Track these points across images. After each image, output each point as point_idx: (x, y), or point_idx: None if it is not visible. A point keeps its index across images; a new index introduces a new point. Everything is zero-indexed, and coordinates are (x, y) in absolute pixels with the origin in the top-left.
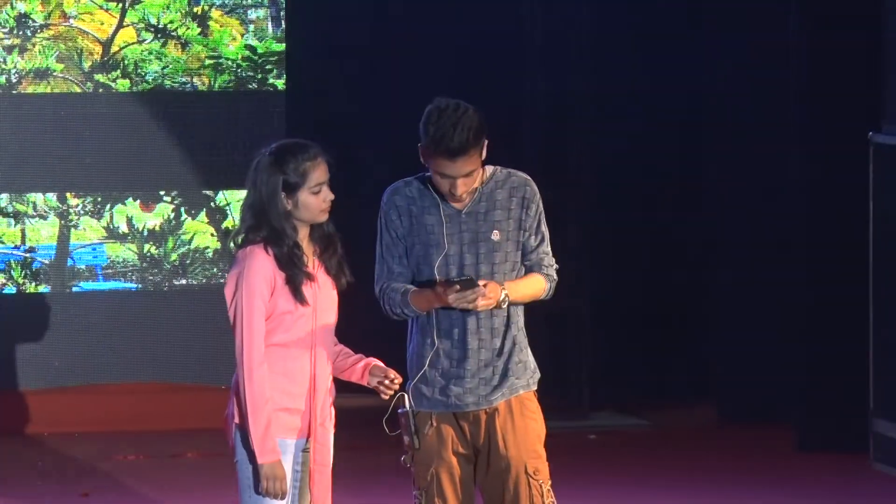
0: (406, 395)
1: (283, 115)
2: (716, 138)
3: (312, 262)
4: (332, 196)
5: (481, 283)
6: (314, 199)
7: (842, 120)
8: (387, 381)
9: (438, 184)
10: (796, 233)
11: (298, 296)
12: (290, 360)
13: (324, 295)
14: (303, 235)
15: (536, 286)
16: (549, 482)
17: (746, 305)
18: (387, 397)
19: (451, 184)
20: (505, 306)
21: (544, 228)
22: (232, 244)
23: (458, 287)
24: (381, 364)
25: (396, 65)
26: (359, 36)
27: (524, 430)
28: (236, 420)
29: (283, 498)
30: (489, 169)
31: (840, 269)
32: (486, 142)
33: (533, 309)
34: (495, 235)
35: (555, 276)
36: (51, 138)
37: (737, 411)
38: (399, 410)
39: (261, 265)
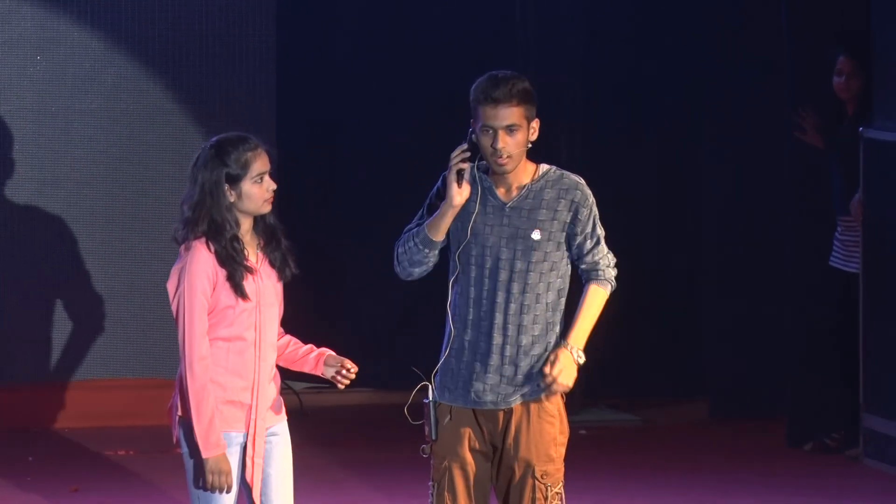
0: (430, 385)
1: (273, 110)
2: (708, 136)
3: (256, 255)
4: (274, 185)
5: (554, 370)
6: (257, 189)
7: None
8: (343, 371)
9: (484, 148)
10: (787, 231)
11: (239, 291)
12: (233, 353)
13: (266, 288)
14: (246, 228)
15: (595, 305)
16: (560, 485)
17: (737, 304)
18: (342, 387)
19: (493, 138)
20: (582, 361)
21: (600, 231)
22: (173, 239)
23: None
24: (334, 353)
25: (387, 60)
26: (349, 29)
27: (538, 432)
28: (179, 412)
29: (228, 492)
30: (543, 167)
31: (829, 267)
32: (537, 119)
33: None
34: (536, 234)
35: (611, 275)
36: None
37: (728, 408)
38: (424, 400)
39: (201, 261)
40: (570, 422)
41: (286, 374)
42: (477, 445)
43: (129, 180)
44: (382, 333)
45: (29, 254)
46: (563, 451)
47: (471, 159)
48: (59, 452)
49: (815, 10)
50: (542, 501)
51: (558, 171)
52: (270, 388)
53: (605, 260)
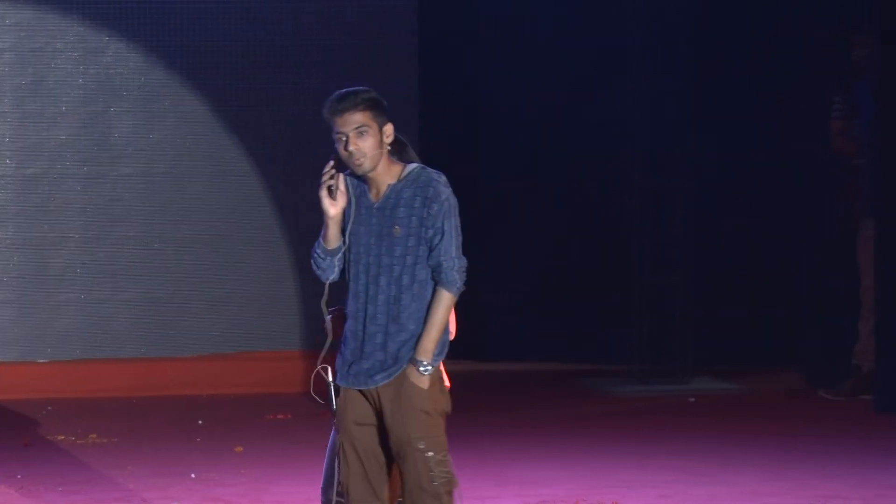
0: (329, 368)
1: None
2: (801, 126)
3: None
4: (351, 147)
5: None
6: (340, 147)
7: None
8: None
9: (342, 155)
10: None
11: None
12: None
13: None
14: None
15: (441, 311)
16: (444, 451)
17: (830, 280)
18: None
19: (346, 143)
20: (433, 367)
21: (448, 227)
22: None
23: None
24: None
25: (519, 60)
26: (485, 36)
27: (406, 408)
28: None
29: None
30: (408, 167)
31: None
32: (389, 124)
33: (638, 283)
34: (396, 231)
35: (456, 277)
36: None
37: (821, 377)
38: (328, 381)
39: None
40: (680, 391)
41: None
42: (364, 420)
43: (295, 175)
44: (519, 304)
45: (194, 244)
46: (439, 422)
47: (342, 171)
48: (224, 416)
49: None
50: (427, 470)
51: (421, 170)
52: None
53: (449, 261)
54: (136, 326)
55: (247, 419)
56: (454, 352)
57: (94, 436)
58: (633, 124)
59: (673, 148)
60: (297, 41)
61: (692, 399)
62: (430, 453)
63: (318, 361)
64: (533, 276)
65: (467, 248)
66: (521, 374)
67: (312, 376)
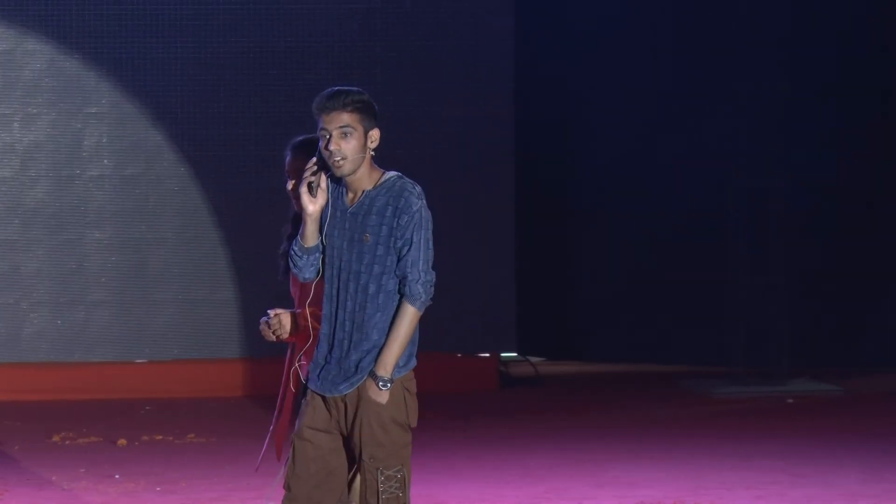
0: (300, 368)
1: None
2: None
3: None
4: (332, 146)
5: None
6: (322, 146)
7: None
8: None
9: (324, 153)
10: None
11: None
12: None
13: None
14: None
15: (404, 326)
16: (398, 468)
17: None
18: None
19: (328, 141)
20: (390, 383)
21: (417, 239)
22: None
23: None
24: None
25: (611, 63)
26: (579, 39)
27: (365, 419)
28: None
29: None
30: (387, 175)
31: None
32: (377, 129)
33: (735, 285)
34: (365, 238)
35: (421, 291)
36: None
37: None
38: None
39: None
40: (778, 392)
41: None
42: (322, 426)
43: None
44: (617, 306)
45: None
46: (399, 436)
47: (325, 170)
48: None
49: None
50: (375, 483)
51: (397, 179)
52: None
53: (415, 274)
54: (234, 326)
55: None
56: (554, 352)
57: (192, 435)
58: (731, 127)
59: (770, 150)
60: (391, 41)
61: (790, 400)
62: (381, 467)
63: (296, 360)
64: (630, 278)
65: (565, 251)
66: (619, 375)
67: (291, 373)
